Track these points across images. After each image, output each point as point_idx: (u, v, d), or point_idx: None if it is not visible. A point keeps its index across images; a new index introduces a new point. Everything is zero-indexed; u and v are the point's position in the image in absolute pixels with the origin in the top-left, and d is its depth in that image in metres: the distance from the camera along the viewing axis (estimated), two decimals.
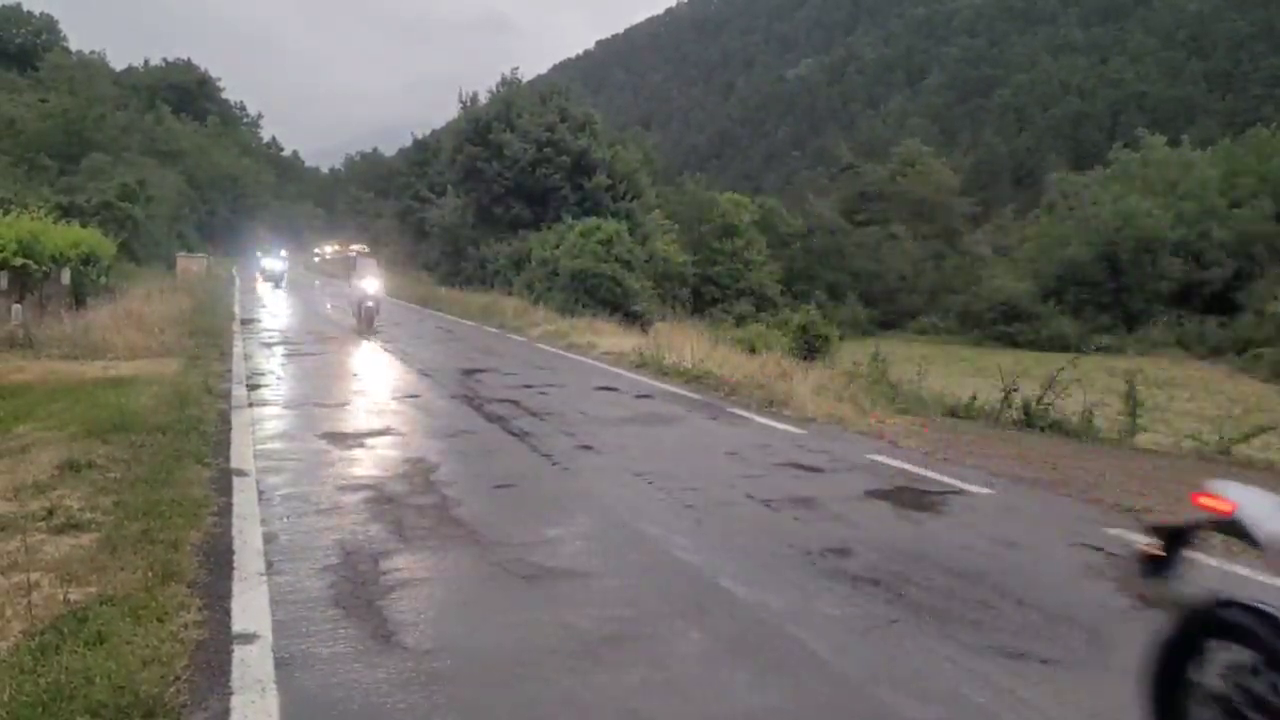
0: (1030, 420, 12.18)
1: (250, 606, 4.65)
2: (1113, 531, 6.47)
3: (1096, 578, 5.52)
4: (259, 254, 50.83)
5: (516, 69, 44.18)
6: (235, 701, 3.68)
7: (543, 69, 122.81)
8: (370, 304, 21.19)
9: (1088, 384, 13.51)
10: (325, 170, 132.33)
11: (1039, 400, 12.36)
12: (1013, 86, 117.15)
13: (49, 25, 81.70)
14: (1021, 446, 10.13)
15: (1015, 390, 12.76)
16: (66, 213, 31.00)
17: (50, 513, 5.93)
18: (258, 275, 45.82)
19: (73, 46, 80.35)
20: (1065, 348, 38.32)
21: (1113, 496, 7.44)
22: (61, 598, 4.54)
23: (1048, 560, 5.86)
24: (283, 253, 46.80)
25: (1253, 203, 49.40)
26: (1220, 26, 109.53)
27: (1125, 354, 39.49)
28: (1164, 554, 3.13)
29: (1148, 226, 48.19)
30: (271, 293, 37.89)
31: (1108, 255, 49.17)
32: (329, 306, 28.64)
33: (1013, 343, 45.90)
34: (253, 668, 3.97)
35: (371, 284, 21.60)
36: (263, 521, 6.14)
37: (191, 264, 41.39)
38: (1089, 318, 48.46)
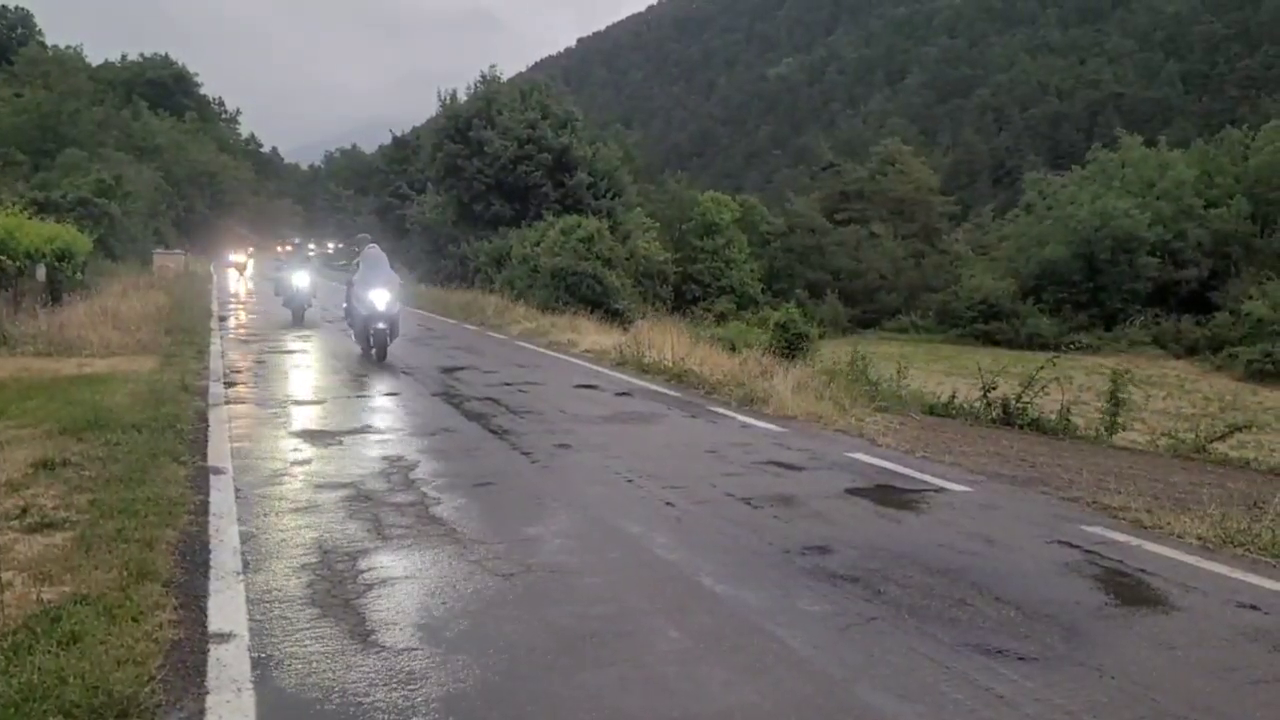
0: (1009, 418, 12.25)
1: (227, 606, 4.62)
2: (1089, 529, 6.51)
3: (1073, 575, 5.55)
4: (280, 252, 31.75)
5: (495, 66, 44.05)
6: (211, 701, 3.65)
7: (524, 67, 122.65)
8: None
9: (1065, 382, 13.59)
10: (305, 167, 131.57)
11: (1018, 398, 12.43)
12: (992, 86, 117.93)
13: (24, 19, 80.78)
14: (1000, 444, 10.18)
15: (994, 388, 12.83)
16: (42, 209, 30.69)
17: (24, 511, 5.87)
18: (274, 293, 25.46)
19: (48, 41, 79.52)
20: (1043, 346, 38.61)
21: (1089, 494, 7.49)
22: (35, 597, 4.49)
23: (1025, 557, 5.88)
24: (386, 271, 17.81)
25: (1228, 203, 49.81)
26: (1197, 28, 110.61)
27: (1102, 353, 39.76)
28: None
29: (1125, 226, 48.49)
30: (255, 288, 32.33)
31: (1085, 255, 49.47)
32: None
33: (991, 341, 46.16)
34: (229, 667, 3.94)
35: None
36: (240, 520, 6.09)
37: (168, 261, 41.07)
38: (1067, 317, 48.76)
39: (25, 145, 51.77)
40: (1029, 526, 6.61)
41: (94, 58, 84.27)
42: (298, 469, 7.66)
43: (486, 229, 37.84)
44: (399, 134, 58.32)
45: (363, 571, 5.19)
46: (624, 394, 12.66)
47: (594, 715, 3.66)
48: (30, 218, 21.81)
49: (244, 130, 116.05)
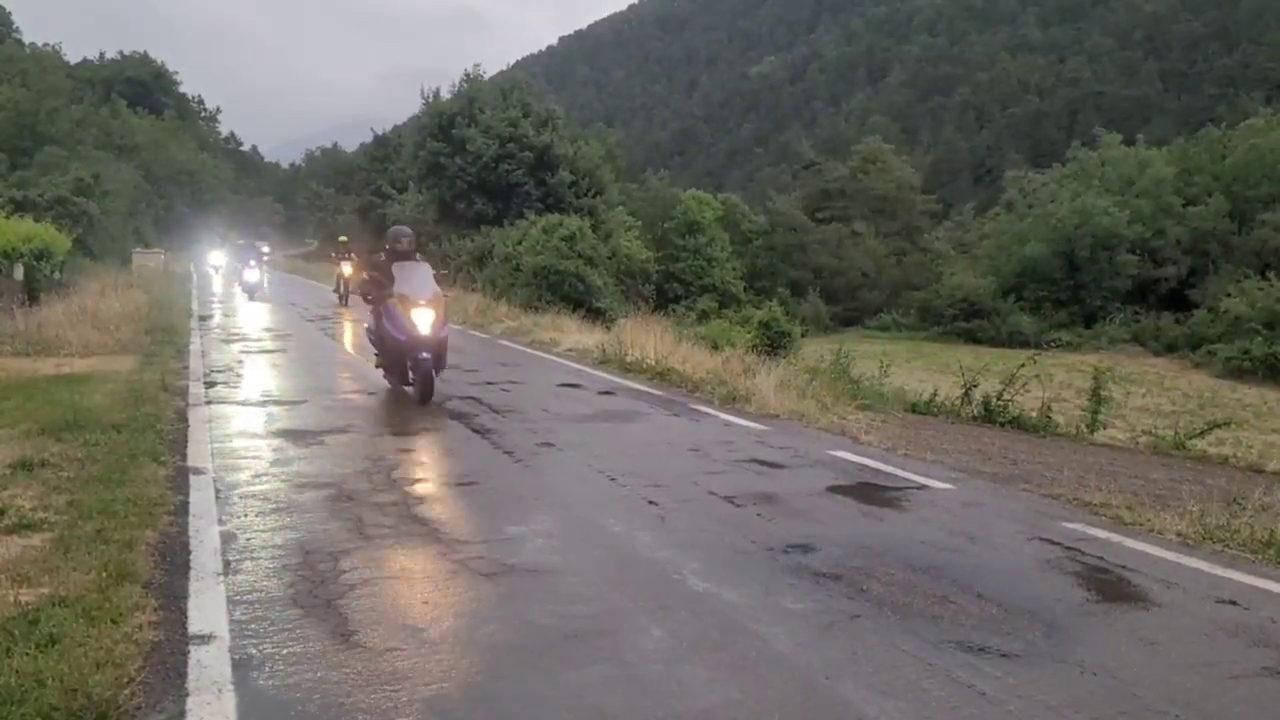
0: (990, 416, 12.31)
1: (207, 607, 4.58)
2: (1070, 526, 6.55)
3: (1055, 571, 5.58)
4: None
5: (478, 65, 43.98)
6: (191, 703, 3.62)
7: (506, 65, 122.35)
8: None
9: (1046, 380, 13.67)
10: (285, 165, 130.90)
11: (999, 396, 12.50)
12: (973, 85, 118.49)
13: (2, 17, 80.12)
14: (981, 442, 10.23)
15: (975, 386, 12.89)
16: (19, 207, 30.51)
17: (1, 513, 5.81)
18: None
19: (26, 39, 78.86)
20: (1024, 344, 38.84)
21: (1070, 491, 7.53)
22: (12, 599, 4.44)
23: (1007, 554, 5.91)
24: None
25: (1206, 201, 50.19)
26: (1176, 27, 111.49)
27: (1082, 350, 40.03)
28: None
29: (1104, 224, 48.82)
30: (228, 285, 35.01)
31: (1065, 252, 49.79)
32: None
33: (972, 339, 46.48)
34: (209, 669, 3.91)
35: None
36: (220, 520, 6.05)
37: (148, 260, 40.85)
38: (1047, 314, 49.10)
39: (3, 143, 51.37)
40: (1010, 523, 6.65)
41: (72, 56, 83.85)
42: (278, 469, 7.61)
43: (468, 227, 37.74)
44: (381, 132, 58.19)
45: (344, 572, 5.16)
46: (607, 393, 12.65)
47: (577, 715, 3.65)
48: (8, 216, 21.66)
49: (224, 129, 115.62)
